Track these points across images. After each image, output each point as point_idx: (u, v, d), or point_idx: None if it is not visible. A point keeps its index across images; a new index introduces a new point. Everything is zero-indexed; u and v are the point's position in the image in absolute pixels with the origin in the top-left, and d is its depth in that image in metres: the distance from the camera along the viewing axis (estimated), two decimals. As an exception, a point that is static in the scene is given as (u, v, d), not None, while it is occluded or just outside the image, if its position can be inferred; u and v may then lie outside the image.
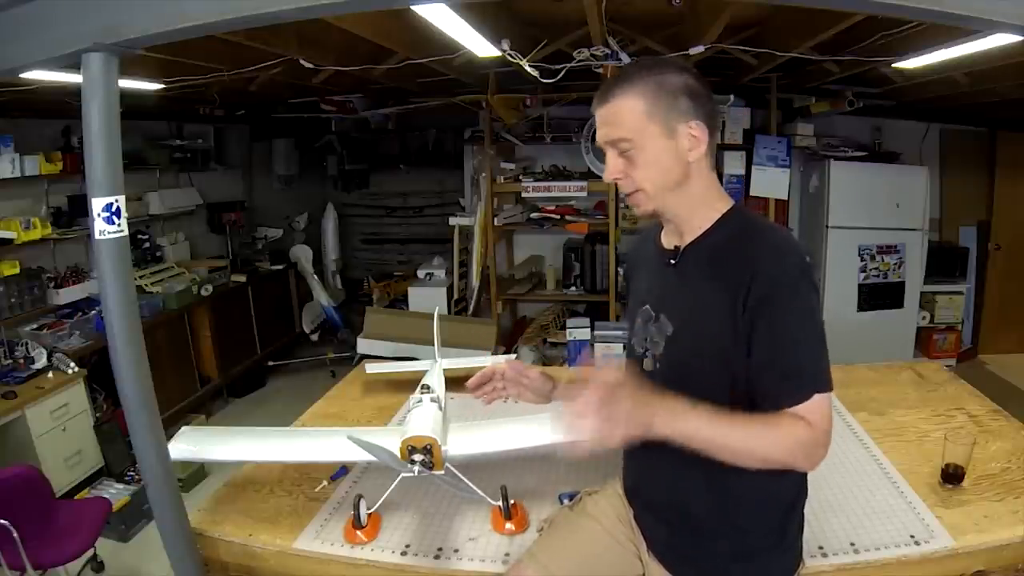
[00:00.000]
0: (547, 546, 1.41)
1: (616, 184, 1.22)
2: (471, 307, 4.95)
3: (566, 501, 1.58)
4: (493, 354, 3.66)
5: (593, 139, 4.49)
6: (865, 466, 1.80)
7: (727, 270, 1.13)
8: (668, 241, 1.27)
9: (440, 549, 1.54)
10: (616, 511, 1.42)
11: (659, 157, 1.16)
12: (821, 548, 1.46)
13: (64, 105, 3.22)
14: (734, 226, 1.19)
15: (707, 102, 1.17)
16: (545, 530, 1.48)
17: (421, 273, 5.16)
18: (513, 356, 1.48)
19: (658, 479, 1.29)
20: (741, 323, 1.10)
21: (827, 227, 4.56)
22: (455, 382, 2.37)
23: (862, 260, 4.60)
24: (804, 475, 1.27)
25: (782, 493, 1.22)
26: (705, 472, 1.12)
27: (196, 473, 3.62)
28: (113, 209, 1.27)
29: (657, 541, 1.32)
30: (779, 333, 1.08)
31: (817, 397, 1.07)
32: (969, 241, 5.16)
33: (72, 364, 3.55)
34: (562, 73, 2.84)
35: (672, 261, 1.24)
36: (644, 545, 1.35)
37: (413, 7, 1.99)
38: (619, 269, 4.56)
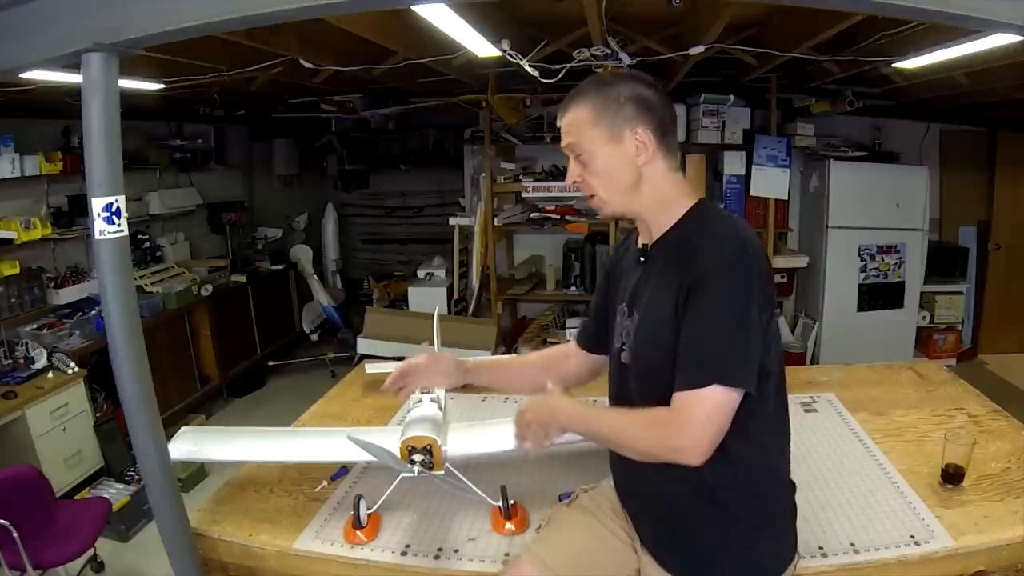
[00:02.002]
0: (545, 542, 1.42)
1: (579, 187, 1.29)
2: (471, 307, 4.95)
3: (565, 500, 1.58)
4: (493, 354, 3.67)
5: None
6: (865, 466, 1.79)
7: (676, 262, 1.18)
8: (640, 240, 1.34)
9: (440, 549, 1.54)
10: (612, 506, 1.44)
11: (607, 162, 1.24)
12: (821, 548, 1.45)
13: (64, 105, 3.22)
14: (693, 222, 1.24)
15: (658, 109, 1.24)
16: (543, 526, 1.49)
17: (421, 273, 5.17)
18: (430, 347, 1.58)
19: (640, 472, 1.29)
20: (679, 311, 1.15)
21: (827, 227, 4.56)
22: (455, 382, 2.37)
23: (862, 260, 4.60)
24: (780, 463, 1.29)
25: (758, 482, 1.24)
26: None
27: (196, 473, 3.62)
28: (113, 209, 1.27)
29: (646, 534, 1.35)
30: (695, 320, 1.13)
31: (713, 389, 1.09)
32: (969, 241, 5.16)
33: (72, 364, 3.56)
34: (562, 73, 2.83)
35: (642, 259, 1.30)
36: (637, 538, 1.36)
37: (413, 7, 1.99)
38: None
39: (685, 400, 1.11)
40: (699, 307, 1.12)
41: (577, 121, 1.24)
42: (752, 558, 1.25)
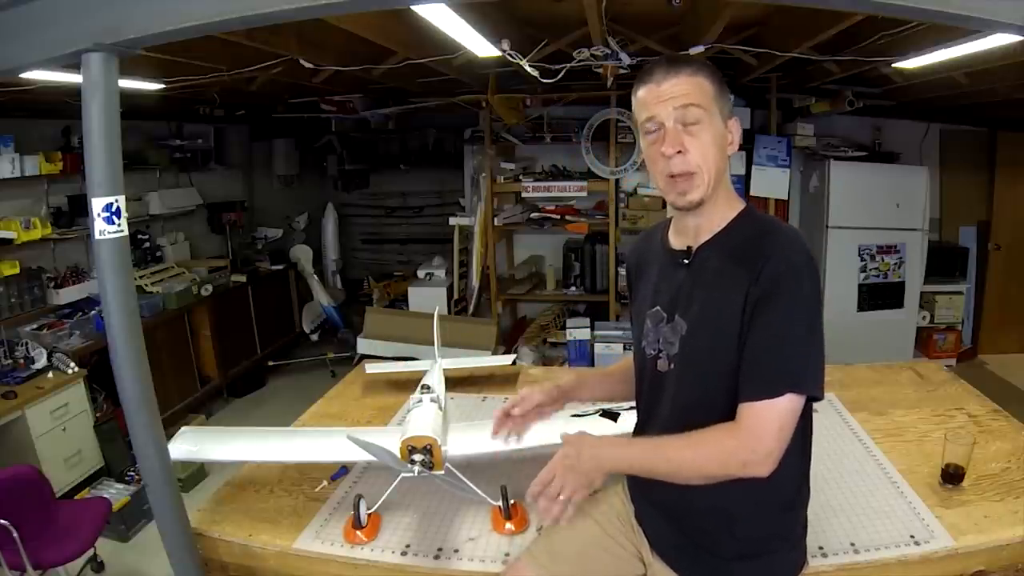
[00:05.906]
0: (546, 545, 1.41)
1: (672, 160, 1.17)
2: (471, 307, 4.95)
3: (567, 502, 1.57)
4: (493, 354, 3.67)
5: (593, 139, 4.51)
6: (865, 466, 1.80)
7: (739, 269, 1.15)
8: (679, 241, 1.28)
9: (440, 549, 1.54)
10: (616, 511, 1.42)
11: (716, 138, 1.19)
12: (821, 548, 1.46)
13: (64, 105, 3.22)
14: (747, 227, 1.21)
15: None
16: (544, 529, 1.48)
17: (421, 273, 5.17)
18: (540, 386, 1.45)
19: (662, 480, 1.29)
20: (746, 319, 1.12)
21: (827, 227, 4.56)
22: (455, 382, 2.38)
23: (862, 260, 4.60)
24: (804, 473, 1.27)
25: (783, 492, 1.22)
26: None
27: (196, 473, 3.62)
28: (113, 209, 1.27)
29: (661, 540, 1.33)
30: (767, 326, 1.10)
31: (787, 397, 1.08)
32: (969, 241, 5.16)
33: (72, 364, 3.55)
34: (562, 73, 2.83)
35: (685, 261, 1.25)
36: (646, 545, 1.35)
37: (413, 7, 1.99)
38: (619, 269, 4.57)
39: (757, 410, 1.08)
40: (772, 314, 1.09)
41: (703, 87, 1.17)
42: (767, 567, 1.24)
